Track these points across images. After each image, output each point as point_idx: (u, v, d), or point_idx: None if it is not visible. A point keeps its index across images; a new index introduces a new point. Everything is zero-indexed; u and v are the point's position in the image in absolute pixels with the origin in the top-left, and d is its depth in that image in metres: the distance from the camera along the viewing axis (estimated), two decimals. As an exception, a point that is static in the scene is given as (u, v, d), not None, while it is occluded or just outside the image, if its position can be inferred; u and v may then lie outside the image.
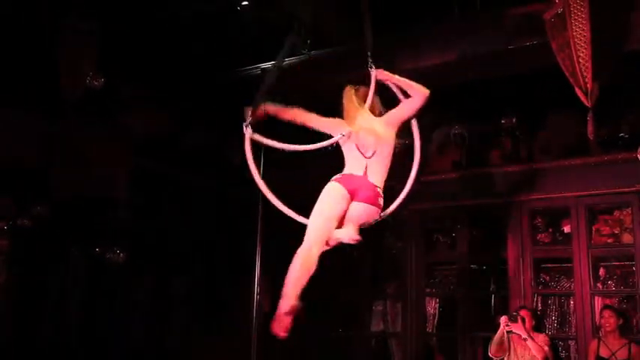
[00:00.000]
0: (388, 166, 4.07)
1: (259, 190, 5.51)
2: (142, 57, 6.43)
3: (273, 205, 4.21)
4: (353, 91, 4.21)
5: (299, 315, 3.67)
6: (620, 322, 5.91)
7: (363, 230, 3.95)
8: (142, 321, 7.37)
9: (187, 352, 7.54)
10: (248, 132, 4.22)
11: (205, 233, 7.88)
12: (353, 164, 4.03)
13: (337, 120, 4.16)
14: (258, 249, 5.94)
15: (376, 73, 4.25)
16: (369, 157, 4.01)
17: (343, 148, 4.12)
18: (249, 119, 4.22)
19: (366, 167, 3.99)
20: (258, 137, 4.19)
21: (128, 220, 6.93)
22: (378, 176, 4.00)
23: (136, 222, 7.04)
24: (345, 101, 4.18)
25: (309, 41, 5.14)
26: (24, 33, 5.88)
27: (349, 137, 4.02)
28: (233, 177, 7.67)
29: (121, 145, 6.89)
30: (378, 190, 3.95)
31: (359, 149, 4.03)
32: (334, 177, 3.96)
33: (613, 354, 5.80)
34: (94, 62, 5.92)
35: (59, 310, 6.66)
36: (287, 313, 3.67)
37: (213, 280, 7.87)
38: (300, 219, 4.01)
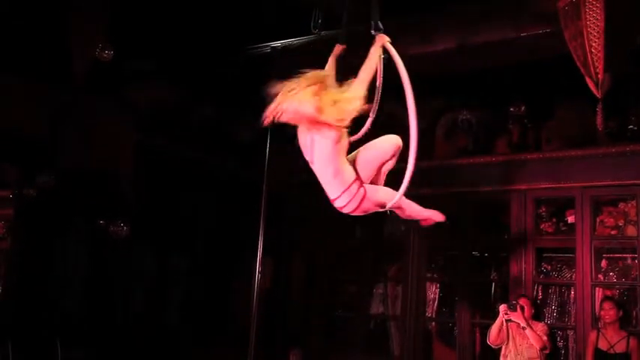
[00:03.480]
0: (335, 171, 3.48)
1: (263, 169, 5.51)
2: (150, 31, 6.40)
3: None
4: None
5: None
6: (620, 314, 5.91)
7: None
8: (142, 295, 7.41)
9: (186, 329, 7.59)
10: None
11: (208, 211, 7.90)
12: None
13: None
14: (262, 229, 5.94)
15: (380, 38, 3.65)
16: (313, 163, 3.56)
17: None
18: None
19: (318, 178, 3.58)
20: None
21: (131, 194, 6.94)
22: (331, 187, 3.55)
23: (139, 196, 7.05)
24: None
25: (320, 20, 5.10)
26: (35, 2, 5.86)
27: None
28: (237, 155, 7.70)
29: (127, 118, 6.89)
30: (335, 202, 3.57)
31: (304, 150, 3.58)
32: None
33: (611, 346, 5.81)
34: (104, 34, 5.90)
35: (62, 278, 6.70)
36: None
37: (214, 257, 7.90)
38: None
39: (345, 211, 3.61)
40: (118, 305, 7.11)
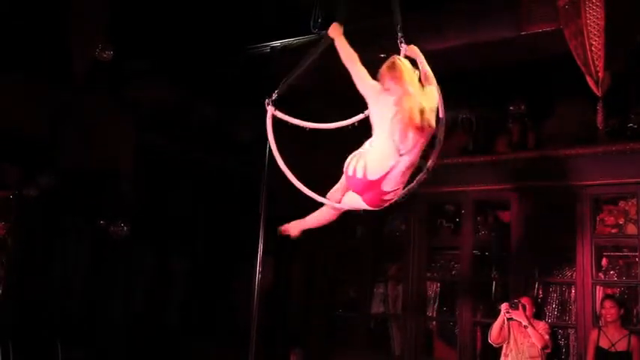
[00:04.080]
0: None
1: (263, 168, 5.51)
2: (150, 31, 6.40)
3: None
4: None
5: None
6: (621, 312, 5.92)
7: (367, 212, 3.85)
8: (142, 295, 7.40)
9: (186, 329, 7.58)
10: (270, 109, 3.97)
11: (208, 210, 7.89)
12: (378, 158, 3.39)
13: (378, 88, 3.42)
14: (262, 229, 5.93)
15: (407, 49, 3.69)
16: (403, 155, 3.37)
17: (375, 129, 3.45)
18: (273, 95, 4.01)
19: (392, 168, 3.38)
20: (280, 114, 3.97)
21: (131, 194, 6.93)
22: (396, 180, 3.43)
23: (139, 196, 7.04)
24: (395, 71, 3.40)
25: (320, 20, 5.11)
26: (35, 2, 5.86)
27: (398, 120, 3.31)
28: (237, 155, 7.70)
29: (127, 118, 6.88)
30: (386, 195, 3.46)
31: (395, 142, 3.33)
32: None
33: (613, 345, 5.81)
34: (104, 34, 5.90)
35: (62, 278, 6.70)
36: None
37: (214, 257, 7.89)
38: (319, 198, 3.82)
39: (385, 204, 3.57)
40: (118, 305, 7.09)
